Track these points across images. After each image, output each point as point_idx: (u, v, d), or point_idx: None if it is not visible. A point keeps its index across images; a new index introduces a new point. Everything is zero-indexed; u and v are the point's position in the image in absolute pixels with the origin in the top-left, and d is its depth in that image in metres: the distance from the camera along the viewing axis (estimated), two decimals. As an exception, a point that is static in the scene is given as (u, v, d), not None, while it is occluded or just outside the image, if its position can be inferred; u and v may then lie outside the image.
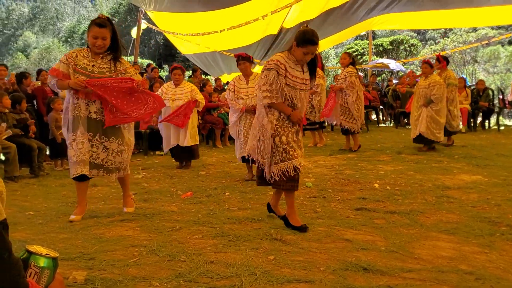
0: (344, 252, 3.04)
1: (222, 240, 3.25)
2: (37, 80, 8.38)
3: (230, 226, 3.64)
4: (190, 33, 10.44)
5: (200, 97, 6.81)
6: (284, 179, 3.60)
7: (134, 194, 5.09)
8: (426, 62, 7.88)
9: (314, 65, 3.75)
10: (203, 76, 13.81)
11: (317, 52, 3.64)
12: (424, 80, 7.78)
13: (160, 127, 6.91)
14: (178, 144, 6.76)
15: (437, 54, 8.82)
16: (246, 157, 5.54)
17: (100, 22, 3.89)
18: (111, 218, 3.91)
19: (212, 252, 3.00)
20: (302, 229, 3.50)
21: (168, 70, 11.59)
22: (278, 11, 9.48)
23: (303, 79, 3.67)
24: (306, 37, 3.49)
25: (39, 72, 8.47)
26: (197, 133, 7.01)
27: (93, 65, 3.93)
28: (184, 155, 6.90)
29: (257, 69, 13.03)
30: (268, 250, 3.04)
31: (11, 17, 53.96)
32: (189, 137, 6.68)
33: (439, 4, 10.76)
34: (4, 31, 52.09)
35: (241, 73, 5.92)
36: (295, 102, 3.63)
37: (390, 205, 4.35)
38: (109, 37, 3.93)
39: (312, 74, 3.77)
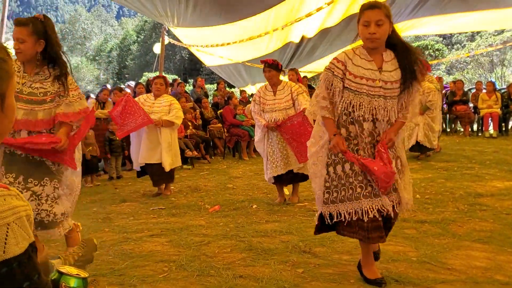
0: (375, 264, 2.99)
1: (251, 254, 3.24)
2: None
3: (258, 239, 3.63)
4: (210, 45, 10.56)
5: (174, 115, 5.83)
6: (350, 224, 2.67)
7: (162, 208, 5.15)
8: None
9: (407, 54, 2.66)
10: (227, 89, 13.91)
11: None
12: None
13: (132, 139, 6.05)
14: (148, 164, 5.85)
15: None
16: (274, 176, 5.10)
17: (18, 20, 2.82)
18: (140, 234, 3.95)
19: (241, 266, 3.00)
20: (377, 283, 2.65)
21: (194, 84, 11.71)
22: (298, 21, 9.48)
23: (381, 78, 2.63)
24: (362, 6, 2.68)
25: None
26: (179, 154, 6.18)
27: (23, 83, 2.86)
28: (160, 177, 5.94)
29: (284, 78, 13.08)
30: (297, 263, 3.01)
31: (41, 38, 55.57)
32: (169, 159, 5.82)
33: (465, 5, 10.58)
34: (35, 52, 53.62)
35: (268, 82, 5.27)
36: (359, 114, 2.65)
37: (420, 215, 4.26)
38: (30, 40, 2.80)
39: (407, 69, 2.63)
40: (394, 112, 2.69)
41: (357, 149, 2.67)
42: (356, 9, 10.14)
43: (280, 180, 5.18)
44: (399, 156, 2.77)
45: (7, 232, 0.77)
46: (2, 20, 7.98)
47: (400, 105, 2.72)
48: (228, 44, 10.28)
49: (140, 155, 5.81)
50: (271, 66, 5.16)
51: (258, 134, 5.31)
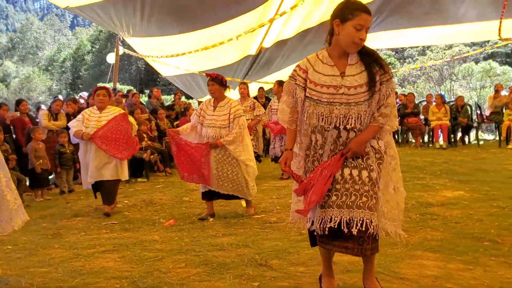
0: (329, 275, 3.00)
1: (206, 269, 3.19)
2: (16, 110, 8.26)
3: (214, 253, 3.58)
4: (165, 55, 10.46)
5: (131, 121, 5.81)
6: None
7: (115, 223, 5.01)
8: None
9: (372, 53, 2.52)
10: (184, 100, 13.79)
11: None
12: None
13: (81, 153, 5.62)
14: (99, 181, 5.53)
15: None
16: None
17: None
18: (92, 250, 3.82)
19: (195, 282, 2.94)
20: None
21: (149, 95, 11.54)
22: (251, 32, 9.55)
23: (343, 84, 2.47)
24: (354, 5, 2.44)
25: (18, 102, 8.36)
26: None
27: None
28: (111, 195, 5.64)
29: (237, 91, 13.11)
30: (253, 277, 2.99)
31: (-11, 47, 53.59)
32: (122, 168, 5.64)
33: (416, 22, 10.99)
34: (-17, 61, 51.60)
35: (211, 96, 5.09)
36: (320, 124, 2.52)
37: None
38: None
39: (373, 66, 2.49)
40: (362, 119, 2.48)
41: (322, 159, 2.57)
42: (311, 23, 10.41)
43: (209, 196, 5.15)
44: (371, 168, 2.50)
45: None
46: None
47: (371, 109, 2.51)
48: (183, 54, 10.20)
49: (89, 173, 5.46)
50: (215, 80, 4.96)
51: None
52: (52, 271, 3.26)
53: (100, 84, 23.44)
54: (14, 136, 7.89)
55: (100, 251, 3.78)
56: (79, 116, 5.67)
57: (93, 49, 42.08)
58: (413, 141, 12.05)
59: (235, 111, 4.96)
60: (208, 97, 5.41)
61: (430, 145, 11.61)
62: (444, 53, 22.25)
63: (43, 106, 9.11)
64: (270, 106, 7.92)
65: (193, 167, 5.01)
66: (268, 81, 12.44)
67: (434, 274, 2.98)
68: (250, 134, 6.91)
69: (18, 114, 8.10)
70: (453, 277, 2.92)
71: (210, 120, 4.98)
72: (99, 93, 5.64)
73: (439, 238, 3.82)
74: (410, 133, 12.17)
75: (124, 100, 9.49)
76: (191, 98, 17.40)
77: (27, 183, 7.12)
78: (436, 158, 8.84)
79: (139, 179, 8.47)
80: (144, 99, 12.19)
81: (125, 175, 5.72)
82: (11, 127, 7.89)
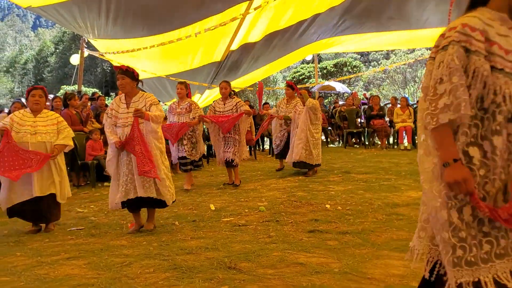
0: (298, 276, 3.03)
1: (175, 273, 3.15)
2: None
3: (183, 257, 3.55)
4: (123, 51, 10.28)
5: (66, 136, 4.92)
6: None
7: (81, 228, 4.90)
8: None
9: None
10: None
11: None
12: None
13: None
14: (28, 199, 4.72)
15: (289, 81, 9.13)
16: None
17: None
18: (56, 257, 3.72)
19: (164, 286, 2.90)
20: None
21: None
22: (212, 29, 9.50)
23: None
24: None
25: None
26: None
27: None
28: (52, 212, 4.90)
29: (207, 93, 13.06)
30: (222, 280, 2.97)
31: None
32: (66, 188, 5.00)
33: (381, 26, 11.23)
34: None
35: (121, 91, 4.59)
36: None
37: (342, 226, 4.39)
38: None
39: None
40: None
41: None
42: (277, 27, 10.47)
43: (131, 206, 4.56)
44: None
45: None
46: None
47: None
48: (139, 49, 10.04)
49: (16, 190, 4.67)
50: (125, 74, 4.42)
51: (109, 152, 4.57)
52: (14, 280, 3.16)
53: (64, 87, 22.77)
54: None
55: (65, 257, 3.69)
56: (5, 120, 4.86)
57: (57, 50, 41.12)
58: (379, 142, 12.29)
59: (151, 100, 4.53)
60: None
61: (395, 147, 11.86)
62: (407, 56, 22.81)
63: (5, 109, 8.81)
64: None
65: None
66: (235, 86, 12.45)
67: (400, 274, 3.03)
68: (182, 139, 6.87)
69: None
70: (418, 276, 2.97)
71: (124, 119, 4.47)
72: (35, 94, 4.84)
73: (405, 238, 3.89)
74: (376, 135, 12.40)
75: (89, 103, 9.30)
76: (159, 101, 17.21)
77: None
78: (401, 159, 9.04)
79: (105, 183, 8.31)
80: (110, 101, 11.97)
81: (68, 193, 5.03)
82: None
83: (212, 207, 5.55)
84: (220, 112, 7.00)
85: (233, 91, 7.32)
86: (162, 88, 12.27)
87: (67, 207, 6.03)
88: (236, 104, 6.96)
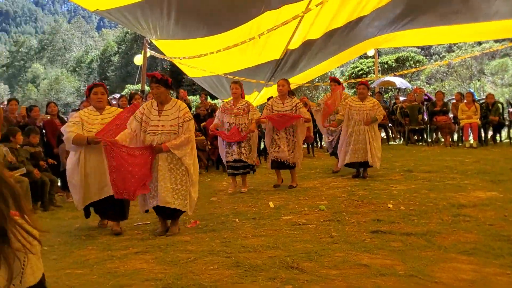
0: (362, 278, 2.99)
1: (238, 271, 3.21)
2: (46, 113, 8.46)
3: (245, 255, 3.60)
4: (188, 56, 10.54)
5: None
6: None
7: (146, 223, 5.08)
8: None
9: None
10: (210, 101, 13.88)
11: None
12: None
13: (72, 166, 4.69)
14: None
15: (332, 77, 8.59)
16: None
17: None
18: (125, 251, 3.88)
19: (228, 284, 2.96)
20: None
21: (176, 96, 11.66)
22: (275, 29, 9.53)
23: None
24: None
25: (47, 105, 8.57)
26: None
27: None
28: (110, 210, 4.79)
29: (264, 91, 13.12)
30: (286, 280, 2.99)
31: (20, 49, 55.01)
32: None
33: (445, 20, 10.82)
34: (14, 63, 53.04)
35: (155, 100, 4.52)
36: None
37: (405, 226, 4.29)
38: None
39: None
40: None
41: None
42: (338, 24, 10.33)
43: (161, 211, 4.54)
44: None
45: (24, 261, 0.74)
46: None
47: None
48: (206, 54, 10.25)
49: (90, 191, 4.64)
50: (160, 82, 4.38)
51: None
52: (87, 272, 3.33)
53: (128, 86, 23.56)
54: (45, 138, 8.07)
55: (133, 252, 3.85)
56: (75, 119, 4.73)
57: (120, 50, 42.72)
58: (442, 140, 11.84)
59: (184, 114, 4.46)
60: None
61: (460, 144, 11.39)
62: (473, 49, 21.79)
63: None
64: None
65: (136, 180, 4.35)
66: (293, 83, 12.43)
67: (469, 279, 2.93)
68: (241, 141, 6.45)
69: (48, 116, 8.29)
70: (490, 282, 2.87)
71: (155, 126, 4.41)
72: (97, 91, 4.77)
73: (473, 240, 3.75)
74: (439, 132, 11.95)
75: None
76: (216, 98, 17.51)
77: (59, 184, 7.29)
78: (466, 157, 8.67)
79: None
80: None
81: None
82: (43, 130, 8.07)
83: (271, 204, 5.58)
84: (278, 111, 6.74)
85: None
86: (220, 86, 12.47)
87: (132, 202, 6.26)
88: (296, 105, 6.69)
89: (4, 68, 53.04)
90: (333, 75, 25.44)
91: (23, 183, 5.81)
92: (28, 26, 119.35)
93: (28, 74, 50.00)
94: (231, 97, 6.82)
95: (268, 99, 7.88)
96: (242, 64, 11.22)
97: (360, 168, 7.30)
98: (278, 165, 6.77)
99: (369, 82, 18.31)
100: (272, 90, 12.23)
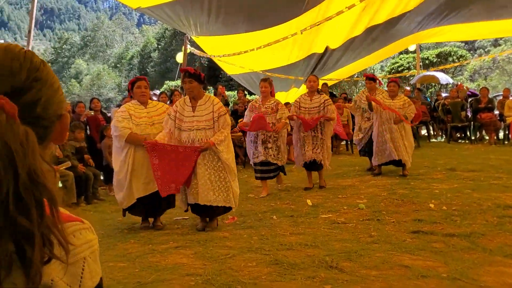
0: (403, 280, 2.94)
1: (277, 268, 3.21)
2: (90, 109, 8.72)
3: (284, 252, 3.60)
4: (227, 54, 10.59)
5: None
6: None
7: (186, 218, 5.16)
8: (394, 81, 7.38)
9: None
10: (248, 97, 13.91)
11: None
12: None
13: (120, 162, 4.70)
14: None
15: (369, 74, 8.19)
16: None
17: None
18: (166, 245, 3.96)
19: (267, 281, 2.97)
20: None
21: (214, 92, 11.77)
22: (317, 25, 9.45)
23: None
24: None
25: (91, 101, 8.83)
26: None
27: None
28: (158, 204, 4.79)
29: (301, 88, 13.05)
30: (325, 279, 2.97)
31: (64, 46, 56.77)
32: None
33: (492, 15, 10.46)
34: (58, 59, 54.78)
35: (188, 95, 4.50)
36: None
37: (448, 227, 4.18)
38: None
39: None
40: None
41: None
42: (379, 20, 10.13)
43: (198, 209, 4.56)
44: None
45: (83, 266, 0.76)
46: (30, 29, 8.15)
47: None
48: (246, 51, 10.27)
49: (138, 186, 4.62)
50: (193, 77, 4.36)
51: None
52: (130, 266, 3.42)
53: (168, 82, 23.91)
54: (88, 133, 8.32)
55: (173, 246, 3.91)
56: (123, 113, 4.67)
57: (159, 46, 43.38)
58: (487, 138, 11.47)
59: (219, 108, 4.46)
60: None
61: (506, 142, 11.00)
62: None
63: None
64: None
65: (176, 176, 4.38)
66: (332, 78, 12.33)
67: (517, 283, 2.83)
68: (267, 142, 6.14)
69: (92, 112, 8.53)
70: (539, 288, 2.76)
71: (190, 122, 4.40)
72: (140, 85, 4.73)
73: (521, 243, 3.62)
74: (483, 130, 11.58)
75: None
76: (254, 94, 17.55)
77: (102, 178, 7.50)
78: (512, 156, 8.37)
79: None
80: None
81: None
82: (86, 125, 8.32)
83: (309, 202, 5.55)
84: (306, 108, 6.48)
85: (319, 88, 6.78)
86: (258, 81, 12.48)
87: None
88: (324, 101, 6.41)
89: (49, 64, 54.76)
90: (372, 71, 25.04)
91: (68, 177, 6.02)
92: (71, 23, 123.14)
93: (71, 70, 51.56)
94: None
95: None
96: (281, 61, 11.18)
97: (398, 167, 7.20)
98: (308, 166, 6.54)
99: (410, 78, 17.92)
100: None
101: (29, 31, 7.79)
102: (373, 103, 7.06)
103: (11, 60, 0.75)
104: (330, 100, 6.64)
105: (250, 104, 6.67)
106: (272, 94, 6.49)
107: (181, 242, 4.04)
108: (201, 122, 4.39)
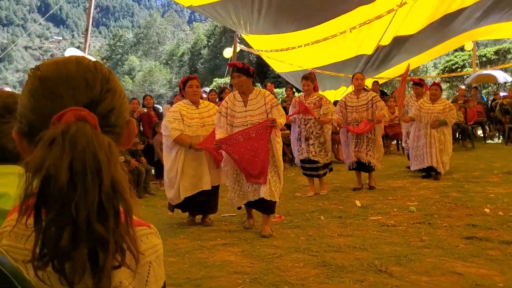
0: (456, 287, 2.85)
1: (325, 270, 3.20)
2: (143, 106, 8.96)
3: (332, 254, 3.57)
4: (275, 49, 10.58)
5: None
6: None
7: (233, 215, 5.22)
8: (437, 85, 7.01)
9: None
10: (296, 95, 13.87)
11: None
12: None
13: (171, 163, 4.77)
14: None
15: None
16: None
17: None
18: (214, 242, 4.02)
19: (315, 283, 2.96)
20: None
21: (264, 88, 11.81)
22: (367, 23, 9.28)
23: None
24: None
25: (144, 97, 9.07)
26: None
27: None
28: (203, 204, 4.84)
29: (351, 87, 12.86)
30: (374, 283, 2.93)
31: (117, 43, 58.62)
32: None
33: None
34: (112, 56, 56.63)
35: (237, 90, 4.41)
36: None
37: (504, 234, 4.01)
38: None
39: None
40: None
41: None
42: (434, 17, 9.81)
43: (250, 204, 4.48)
44: None
45: (149, 270, 0.78)
46: (88, 27, 8.48)
47: None
48: (295, 47, 10.22)
49: (186, 186, 4.66)
50: (241, 71, 4.24)
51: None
52: (179, 261, 3.50)
53: (217, 80, 24.17)
54: (141, 129, 8.56)
55: (221, 243, 3.97)
56: (175, 114, 4.70)
57: (209, 43, 43.90)
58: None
59: (271, 99, 4.37)
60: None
61: None
62: None
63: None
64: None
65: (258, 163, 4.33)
66: (383, 77, 12.07)
67: None
68: (309, 138, 6.00)
69: (145, 109, 8.77)
70: None
71: (242, 118, 4.32)
72: (192, 84, 4.75)
73: None
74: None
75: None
76: (301, 91, 17.49)
77: (153, 173, 7.71)
78: None
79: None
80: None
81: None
82: (139, 121, 8.57)
83: (358, 203, 5.48)
84: (353, 107, 6.31)
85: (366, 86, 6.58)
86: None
87: (220, 193, 6.43)
88: (372, 98, 6.22)
89: (104, 60, 56.87)
90: (425, 69, 24.32)
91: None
92: (125, 20, 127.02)
93: (125, 66, 53.17)
94: (319, 91, 6.59)
95: None
96: (330, 59, 11.07)
97: (431, 172, 6.92)
98: (357, 166, 6.38)
99: (465, 77, 17.24)
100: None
101: (87, 30, 8.10)
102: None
103: (85, 72, 0.78)
104: (378, 96, 6.47)
105: (293, 100, 6.56)
106: (315, 89, 6.32)
107: (229, 239, 4.09)
108: (254, 116, 4.31)
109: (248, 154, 4.21)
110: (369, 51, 10.86)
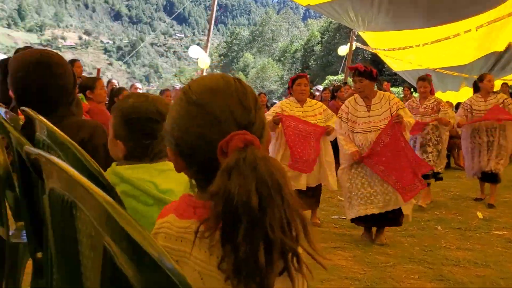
0: None
1: (441, 285, 3.03)
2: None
3: (450, 268, 3.37)
4: (393, 48, 10.19)
5: (333, 121, 4.60)
6: None
7: (343, 218, 5.13)
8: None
9: None
10: (414, 95, 13.29)
11: None
12: None
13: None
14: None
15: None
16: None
17: None
18: (325, 244, 4.00)
19: (431, 298, 2.83)
20: None
21: (379, 87, 11.50)
22: (496, 21, 8.54)
23: None
24: None
25: (259, 95, 9.32)
26: None
27: None
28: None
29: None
30: (498, 306, 2.72)
31: (234, 41, 60.79)
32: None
33: None
34: (229, 53, 58.89)
35: (359, 95, 4.16)
36: None
37: None
38: None
39: None
40: None
41: None
42: None
43: (365, 221, 4.11)
44: None
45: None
46: (210, 26, 8.91)
47: None
48: (413, 46, 9.76)
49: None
50: (363, 75, 3.96)
51: (344, 163, 4.17)
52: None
53: (329, 77, 24.11)
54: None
55: (331, 246, 3.94)
56: (275, 108, 4.73)
57: (323, 40, 43.72)
58: None
59: (396, 102, 4.08)
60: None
61: None
62: None
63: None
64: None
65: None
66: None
67: None
68: (428, 145, 5.49)
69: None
70: None
71: (366, 124, 4.05)
72: (300, 82, 4.67)
73: None
74: None
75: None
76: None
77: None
78: None
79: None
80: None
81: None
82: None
83: (480, 215, 5.09)
84: (480, 111, 5.71)
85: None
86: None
87: (329, 194, 6.37)
88: (503, 101, 5.60)
89: (221, 57, 59.36)
90: None
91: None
92: (242, 18, 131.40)
93: (240, 63, 55.08)
94: (440, 91, 6.28)
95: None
96: (455, 59, 10.38)
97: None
98: (486, 177, 5.75)
99: None
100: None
101: (209, 30, 8.50)
102: None
103: (238, 94, 0.82)
104: (510, 99, 5.78)
105: (407, 103, 5.94)
106: (431, 92, 5.81)
107: (339, 243, 4.04)
108: (378, 122, 4.01)
109: (393, 161, 3.93)
110: (500, 47, 9.96)
